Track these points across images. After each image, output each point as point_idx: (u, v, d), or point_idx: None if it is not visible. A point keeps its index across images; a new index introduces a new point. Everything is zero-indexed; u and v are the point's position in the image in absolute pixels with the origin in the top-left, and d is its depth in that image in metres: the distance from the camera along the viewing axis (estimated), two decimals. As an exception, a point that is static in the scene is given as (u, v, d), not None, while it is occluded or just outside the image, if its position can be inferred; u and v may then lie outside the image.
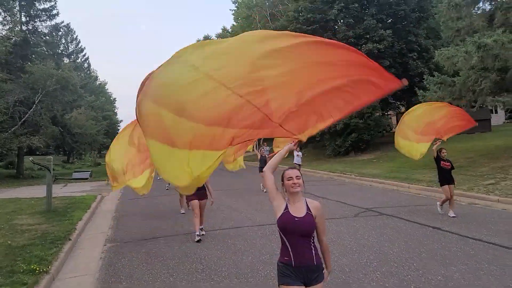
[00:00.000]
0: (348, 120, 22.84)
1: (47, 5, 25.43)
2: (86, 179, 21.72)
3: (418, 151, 8.61)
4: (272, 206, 2.92)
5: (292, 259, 2.79)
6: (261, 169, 13.22)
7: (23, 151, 25.44)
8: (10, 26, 22.60)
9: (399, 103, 29.09)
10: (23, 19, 25.12)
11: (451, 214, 8.54)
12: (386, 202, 10.96)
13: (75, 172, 23.53)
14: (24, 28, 24.83)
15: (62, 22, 34.07)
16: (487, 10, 14.36)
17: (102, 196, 15.20)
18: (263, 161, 13.58)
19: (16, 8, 24.64)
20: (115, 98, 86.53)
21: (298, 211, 2.85)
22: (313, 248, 2.84)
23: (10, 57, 22.01)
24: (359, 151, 24.00)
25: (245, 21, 37.40)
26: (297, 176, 2.92)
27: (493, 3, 15.02)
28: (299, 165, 17.09)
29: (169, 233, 8.30)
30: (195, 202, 7.52)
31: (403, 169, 17.18)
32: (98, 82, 67.80)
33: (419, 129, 8.52)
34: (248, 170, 17.16)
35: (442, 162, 8.84)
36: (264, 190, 12.88)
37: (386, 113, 29.59)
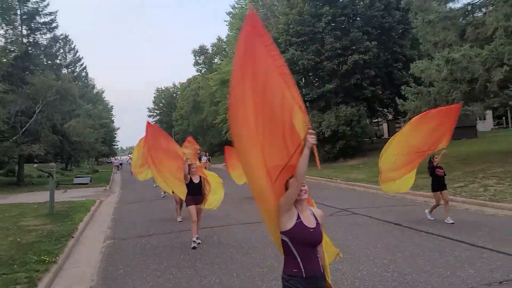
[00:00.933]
0: (336, 127, 23.88)
1: (47, 18, 26.45)
2: (87, 184, 22.63)
3: (405, 185, 8.49)
4: (281, 216, 2.73)
5: (303, 270, 2.68)
6: None
7: (23, 159, 26.28)
8: (12, 39, 23.55)
9: (386, 110, 30.18)
10: (24, 32, 26.12)
11: (449, 220, 8.42)
12: (362, 204, 11.94)
13: (76, 177, 24.50)
14: (25, 40, 25.81)
15: (62, 34, 35.11)
16: (460, 25, 15.43)
17: (100, 201, 16.08)
18: None
19: (18, 22, 25.64)
20: (112, 106, 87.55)
21: (309, 220, 2.77)
22: (318, 256, 2.81)
23: (12, 69, 22.97)
24: (348, 157, 25.02)
25: (239, 31, 38.56)
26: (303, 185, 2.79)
27: (467, 18, 16.12)
28: None
29: (162, 231, 9.25)
30: (193, 208, 7.50)
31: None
32: (95, 91, 68.79)
33: (396, 164, 8.10)
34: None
35: (437, 169, 8.78)
36: None
37: (373, 121, 30.62)
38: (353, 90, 25.22)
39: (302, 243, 2.68)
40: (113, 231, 9.72)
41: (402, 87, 17.09)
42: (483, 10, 14.81)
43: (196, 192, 7.62)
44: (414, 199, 12.33)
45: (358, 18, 25.39)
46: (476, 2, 14.78)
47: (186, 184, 7.45)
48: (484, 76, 13.44)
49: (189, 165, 7.67)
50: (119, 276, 6.06)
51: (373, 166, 22.16)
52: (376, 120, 33.59)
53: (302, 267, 2.67)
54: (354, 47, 24.19)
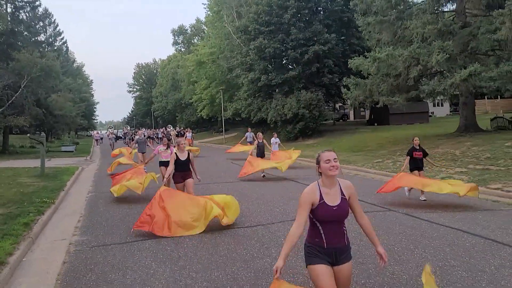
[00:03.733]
0: (297, 110, 26.75)
1: (31, -2, 28.11)
2: (72, 151, 25.09)
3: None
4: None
5: (324, 241, 2.78)
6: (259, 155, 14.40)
7: (8, 130, 28.33)
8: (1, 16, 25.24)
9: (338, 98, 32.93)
10: (9, 10, 27.72)
11: (422, 197, 8.87)
12: (302, 174, 14.80)
13: (63, 146, 27.08)
14: (9, 18, 27.44)
15: (40, 6, 36.26)
16: (392, 29, 18.25)
17: (82, 168, 18.64)
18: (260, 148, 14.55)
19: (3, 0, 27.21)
20: (92, 80, 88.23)
21: (333, 198, 2.81)
22: (345, 230, 2.86)
23: (-1, 46, 24.81)
24: (306, 136, 28.04)
25: (216, 15, 40.70)
26: (334, 159, 2.84)
27: (398, 24, 18.87)
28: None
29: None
30: (181, 185, 7.85)
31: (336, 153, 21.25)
32: (75, 65, 69.61)
33: None
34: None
35: (414, 153, 9.10)
36: (263, 175, 13.58)
37: (336, 105, 33.53)
38: (313, 77, 28.05)
39: (325, 221, 2.77)
40: (94, 188, 12.40)
41: (344, 79, 20.00)
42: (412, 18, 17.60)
43: (183, 168, 7.81)
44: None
45: (320, 12, 28.00)
46: (406, 11, 17.60)
47: (175, 161, 7.70)
48: (405, 73, 16.43)
49: (178, 142, 8.06)
50: (101, 211, 8.81)
51: (326, 145, 25.25)
52: (334, 104, 36.70)
53: (324, 239, 2.78)
54: (315, 39, 26.85)
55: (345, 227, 2.86)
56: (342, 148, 21.23)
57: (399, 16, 17.66)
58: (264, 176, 13.50)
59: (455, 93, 16.73)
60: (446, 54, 15.04)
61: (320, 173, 2.88)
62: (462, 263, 4.97)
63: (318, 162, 2.89)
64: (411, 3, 17.74)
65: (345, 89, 20.34)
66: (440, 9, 17.42)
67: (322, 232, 2.78)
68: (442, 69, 15.91)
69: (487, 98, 44.79)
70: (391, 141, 20.80)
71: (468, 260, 5.05)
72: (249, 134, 22.40)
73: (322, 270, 2.74)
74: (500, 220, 7.06)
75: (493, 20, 14.33)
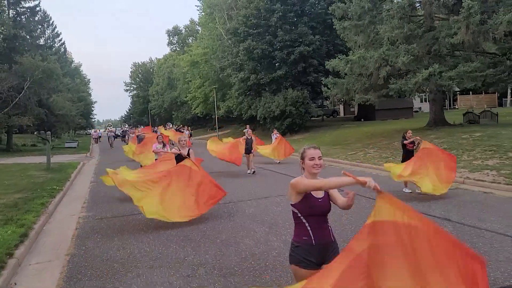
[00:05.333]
0: (284, 107, 28.43)
1: (31, 3, 29.66)
2: (75, 147, 26.87)
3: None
4: (292, 194, 2.85)
5: (312, 238, 2.77)
6: (247, 151, 14.43)
7: (12, 130, 29.93)
8: (3, 22, 26.78)
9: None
10: (11, 15, 29.27)
11: (406, 190, 9.16)
12: (285, 166, 16.52)
13: (66, 142, 29.00)
14: (11, 23, 28.98)
15: (39, 9, 37.73)
16: (366, 32, 19.91)
17: (83, 163, 20.29)
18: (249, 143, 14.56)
19: (5, 6, 28.74)
20: (89, 80, 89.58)
21: (318, 191, 2.83)
22: (329, 225, 2.89)
23: (2, 50, 26.34)
24: (293, 132, 29.74)
25: (209, 17, 42.29)
26: (319, 157, 2.86)
27: (371, 28, 20.42)
28: None
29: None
30: None
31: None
32: (73, 65, 71.03)
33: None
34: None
35: (407, 144, 9.41)
36: (249, 172, 13.74)
37: (315, 103, 35.25)
38: (299, 76, 29.72)
39: (310, 214, 2.78)
40: (96, 179, 14.06)
41: (323, 79, 21.70)
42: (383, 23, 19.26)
43: (183, 158, 8.07)
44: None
45: (305, 15, 29.66)
46: (377, 16, 19.25)
47: (175, 156, 8.18)
48: (376, 73, 18.13)
49: (178, 138, 8.43)
50: (102, 196, 10.50)
51: (310, 140, 26.98)
52: (322, 102, 38.41)
53: (311, 235, 2.77)
54: (301, 40, 28.52)
55: (329, 224, 2.89)
56: (324, 142, 22.95)
57: (372, 21, 19.32)
58: (254, 172, 13.71)
59: (422, 90, 18.39)
60: (411, 56, 16.74)
61: (303, 168, 2.92)
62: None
63: (302, 158, 2.91)
64: (382, 9, 19.37)
65: (325, 88, 22.02)
66: (410, 14, 18.98)
67: (309, 228, 2.78)
68: (408, 69, 17.57)
69: (472, 94, 46.50)
70: (369, 136, 22.51)
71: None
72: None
73: (307, 275, 2.64)
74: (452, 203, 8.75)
75: (451, 25, 16.01)
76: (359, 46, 20.68)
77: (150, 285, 4.49)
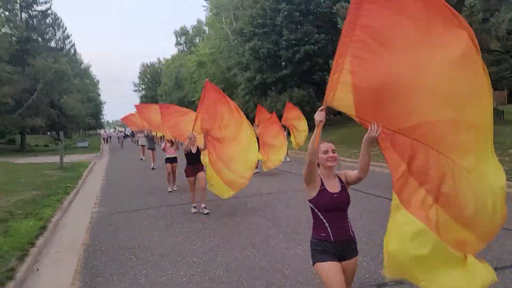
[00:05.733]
0: (290, 106, 28.78)
1: (43, 7, 30.43)
2: (86, 147, 27.66)
3: None
4: (307, 187, 2.81)
5: (331, 235, 2.71)
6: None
7: (25, 130, 30.77)
8: (16, 25, 27.57)
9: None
10: (23, 18, 30.06)
11: None
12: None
13: (78, 142, 30.00)
14: (24, 26, 29.78)
15: (54, 14, 38.63)
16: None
17: (94, 162, 20.91)
18: None
19: (17, 8, 29.55)
20: (98, 80, 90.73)
21: (333, 186, 2.80)
22: (348, 221, 2.82)
23: (15, 53, 27.11)
24: (299, 131, 30.06)
25: (215, 17, 42.80)
26: (333, 150, 2.82)
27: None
28: None
29: (141, 174, 14.19)
30: (192, 179, 7.92)
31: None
32: (83, 66, 72.06)
33: None
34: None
35: None
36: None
37: (321, 102, 35.51)
38: (305, 75, 30.04)
39: (327, 209, 2.73)
40: (106, 177, 14.65)
41: (327, 77, 21.96)
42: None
43: (195, 161, 7.92)
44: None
45: (310, 14, 29.95)
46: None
47: (185, 154, 7.96)
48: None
49: (188, 135, 7.77)
50: (113, 194, 11.02)
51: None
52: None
53: (330, 232, 2.71)
54: (306, 39, 28.82)
55: (349, 220, 2.82)
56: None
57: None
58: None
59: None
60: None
61: (318, 164, 2.84)
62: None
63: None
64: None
65: (330, 87, 22.33)
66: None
67: (327, 224, 2.72)
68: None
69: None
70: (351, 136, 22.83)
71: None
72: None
73: (332, 268, 2.64)
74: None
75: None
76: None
77: (159, 270, 4.95)
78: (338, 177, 2.88)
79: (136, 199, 9.75)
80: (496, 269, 4.37)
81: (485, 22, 15.58)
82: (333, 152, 2.82)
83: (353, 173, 2.88)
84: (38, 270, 5.28)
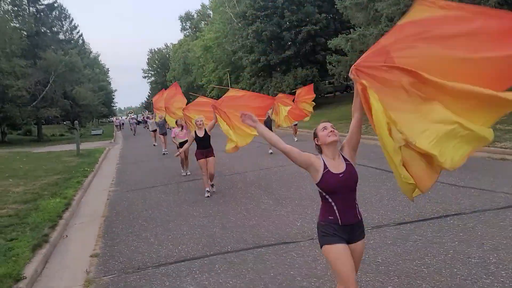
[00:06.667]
0: (294, 86, 29.47)
1: (50, 0, 31.33)
2: (100, 134, 29.20)
3: None
4: (308, 171, 2.75)
5: (339, 217, 2.65)
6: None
7: (40, 121, 32.16)
8: (25, 20, 28.61)
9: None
10: (31, 13, 31.07)
11: None
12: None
13: (92, 130, 31.68)
14: (32, 21, 30.80)
15: (60, 5, 39.54)
16: (365, 12, 20.60)
17: (109, 148, 22.09)
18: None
19: (25, 3, 30.52)
20: (108, 69, 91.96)
21: (337, 166, 2.69)
22: (356, 203, 2.74)
23: (27, 47, 28.24)
24: (304, 110, 30.79)
25: (218, 0, 43.18)
26: (331, 126, 2.75)
27: (370, 6, 20.93)
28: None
29: (154, 157, 15.26)
30: (202, 161, 7.90)
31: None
32: (92, 55, 73.22)
33: None
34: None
35: None
36: (271, 151, 13.45)
37: (325, 80, 36.08)
38: (308, 55, 30.61)
39: (334, 191, 2.66)
40: (121, 161, 15.76)
41: (327, 57, 22.62)
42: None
43: (204, 145, 7.97)
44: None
45: (311, -6, 30.38)
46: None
47: (194, 139, 7.98)
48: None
49: (195, 120, 8.05)
50: (127, 174, 12.10)
51: (319, 115, 28.01)
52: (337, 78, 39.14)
53: (337, 214, 2.65)
54: (307, 19, 29.30)
55: (357, 202, 2.75)
56: (332, 118, 23.93)
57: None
58: (271, 153, 13.40)
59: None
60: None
61: (320, 149, 2.81)
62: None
63: (316, 135, 2.81)
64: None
65: (330, 66, 22.96)
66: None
67: (335, 207, 2.66)
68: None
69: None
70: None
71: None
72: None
73: (341, 251, 2.60)
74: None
75: None
76: (362, 24, 21.44)
77: (166, 231, 5.96)
78: (342, 155, 2.78)
79: (148, 179, 10.80)
80: (418, 221, 5.28)
81: None
82: (332, 127, 2.75)
83: (350, 133, 2.81)
84: (67, 236, 6.36)
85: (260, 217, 6.24)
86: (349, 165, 2.72)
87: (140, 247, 5.39)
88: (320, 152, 2.81)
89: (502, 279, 3.56)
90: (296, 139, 17.26)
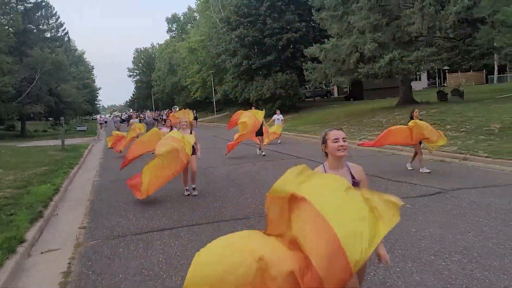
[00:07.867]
0: (274, 90, 30.83)
1: (39, -1, 31.96)
2: (85, 130, 29.99)
3: None
4: None
5: None
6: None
7: (24, 117, 32.67)
8: (12, 18, 29.15)
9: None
10: (19, 10, 31.60)
11: (425, 170, 8.86)
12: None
13: (77, 126, 32.33)
14: (20, 19, 31.34)
15: (46, 3, 39.81)
16: (339, 23, 22.10)
17: (92, 144, 22.97)
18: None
19: (13, 2, 31.06)
20: (92, 67, 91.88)
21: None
22: None
23: (14, 44, 28.82)
24: (284, 113, 32.07)
25: (204, 4, 44.35)
26: (343, 138, 2.64)
27: (343, 18, 22.47)
28: None
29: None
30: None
31: (303, 125, 25.47)
32: (77, 53, 73.31)
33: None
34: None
35: None
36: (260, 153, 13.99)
37: (304, 85, 37.58)
38: (288, 61, 32.02)
39: None
40: (104, 156, 16.75)
41: (303, 64, 24.05)
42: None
43: None
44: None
45: (292, 4, 31.80)
46: (350, 7, 21.42)
47: None
48: (347, 59, 20.44)
49: (179, 121, 8.39)
50: (110, 167, 13.14)
51: (297, 119, 29.42)
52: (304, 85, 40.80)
53: None
54: (288, 27, 30.74)
55: None
56: (308, 121, 25.39)
57: (345, 11, 21.51)
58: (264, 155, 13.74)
59: (388, 73, 20.68)
60: (376, 44, 19.00)
61: (326, 154, 2.70)
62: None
63: (324, 141, 2.69)
64: (354, 0, 21.50)
65: (307, 72, 24.37)
66: (381, 3, 21.04)
67: None
68: (374, 55, 19.86)
69: (460, 72, 48.38)
70: (348, 114, 24.89)
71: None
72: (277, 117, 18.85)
73: None
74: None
75: (409, 15, 18.22)
76: (337, 34, 22.92)
77: (144, 211, 7.11)
78: (349, 168, 2.69)
79: (128, 171, 11.81)
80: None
81: (437, 14, 17.56)
82: (344, 141, 2.65)
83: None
84: (57, 214, 7.44)
85: (246, 197, 7.63)
86: (355, 183, 2.62)
87: (121, 222, 6.53)
88: (326, 156, 2.76)
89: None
90: (279, 141, 18.02)
